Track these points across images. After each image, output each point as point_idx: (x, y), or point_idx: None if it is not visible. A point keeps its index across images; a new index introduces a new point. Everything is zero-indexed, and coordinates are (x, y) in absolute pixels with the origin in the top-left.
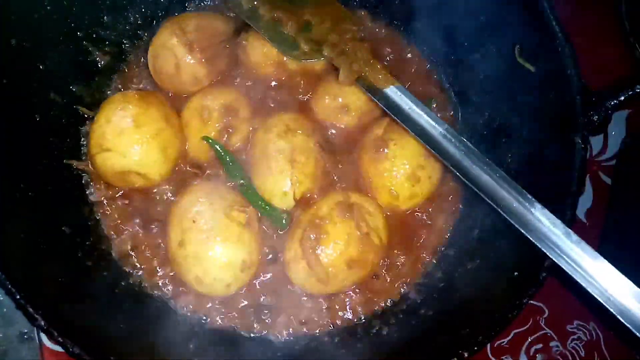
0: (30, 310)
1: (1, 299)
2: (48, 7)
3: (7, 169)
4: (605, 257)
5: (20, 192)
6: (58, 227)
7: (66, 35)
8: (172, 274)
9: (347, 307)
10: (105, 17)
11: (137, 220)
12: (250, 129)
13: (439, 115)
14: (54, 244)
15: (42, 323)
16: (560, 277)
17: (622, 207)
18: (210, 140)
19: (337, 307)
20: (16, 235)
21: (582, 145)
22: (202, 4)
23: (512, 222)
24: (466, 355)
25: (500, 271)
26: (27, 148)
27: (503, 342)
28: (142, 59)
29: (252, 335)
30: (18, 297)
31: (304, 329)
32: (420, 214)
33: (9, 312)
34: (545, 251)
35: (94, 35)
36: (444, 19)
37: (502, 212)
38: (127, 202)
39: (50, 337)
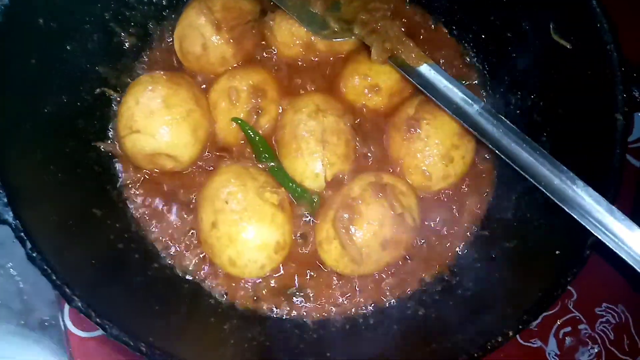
0: (68, 291)
1: (21, 286)
2: None
3: (37, 150)
4: None
5: (50, 175)
6: (88, 210)
7: (92, 16)
8: (203, 255)
9: (381, 288)
10: None
11: (167, 203)
12: (280, 110)
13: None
14: (85, 227)
15: (80, 304)
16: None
17: None
18: (239, 122)
19: (371, 288)
20: (48, 218)
21: (624, 122)
22: None
23: (554, 199)
24: (511, 334)
25: (540, 250)
26: (55, 130)
27: (532, 325)
28: (169, 40)
29: (285, 316)
30: (54, 277)
31: (337, 311)
32: (453, 194)
33: (30, 300)
34: (589, 228)
35: (120, 16)
36: None
37: (543, 190)
38: (156, 184)
39: (89, 318)
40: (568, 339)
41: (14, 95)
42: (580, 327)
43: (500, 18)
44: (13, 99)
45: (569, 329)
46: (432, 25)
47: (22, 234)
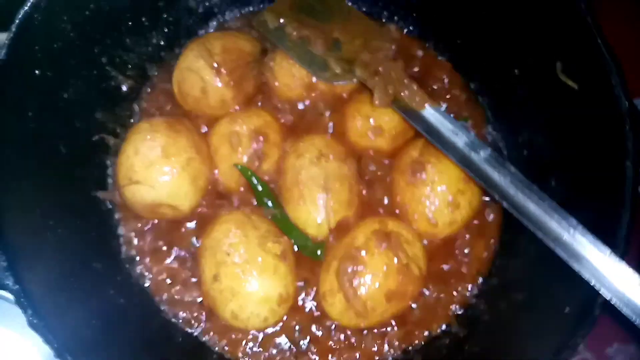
0: (69, 359)
1: None
2: (71, 34)
3: (36, 208)
4: None
5: (49, 231)
6: (89, 264)
7: (89, 61)
8: (204, 306)
9: (387, 341)
10: (127, 40)
11: (168, 251)
12: (281, 153)
13: (474, 134)
14: (86, 282)
15: None
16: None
17: None
18: (241, 168)
19: (377, 341)
20: (48, 277)
21: (634, 170)
22: (225, 24)
23: (563, 255)
24: None
25: (549, 305)
26: (53, 184)
27: None
28: (166, 82)
29: None
30: (56, 345)
31: None
32: (459, 240)
33: None
34: (598, 287)
35: (117, 60)
36: (480, 31)
37: (551, 245)
38: (155, 233)
39: None
40: None
41: (12, 153)
42: None
43: (507, 54)
44: (11, 157)
45: None
46: (435, 60)
47: (23, 299)
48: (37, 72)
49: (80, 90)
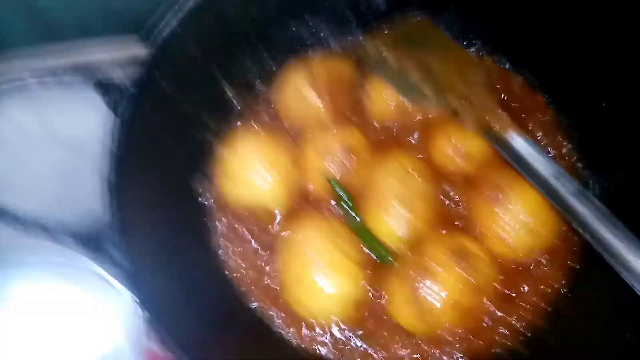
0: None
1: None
2: (196, 55)
3: (150, 200)
4: None
5: (156, 214)
6: (183, 249)
7: (210, 79)
8: (284, 305)
9: (453, 354)
10: (242, 60)
11: (252, 246)
12: (369, 169)
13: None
14: (178, 263)
15: (165, 334)
16: None
17: None
18: (331, 181)
19: (438, 351)
20: (147, 250)
21: None
22: (329, 49)
23: None
24: None
25: (619, 339)
26: (163, 175)
27: None
28: (270, 99)
29: None
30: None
31: None
32: (534, 267)
33: None
34: None
35: (231, 77)
36: (573, 64)
37: (634, 284)
38: (245, 229)
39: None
40: None
41: (140, 154)
42: None
43: (600, 86)
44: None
45: None
46: (529, 93)
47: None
48: (167, 89)
49: (197, 103)
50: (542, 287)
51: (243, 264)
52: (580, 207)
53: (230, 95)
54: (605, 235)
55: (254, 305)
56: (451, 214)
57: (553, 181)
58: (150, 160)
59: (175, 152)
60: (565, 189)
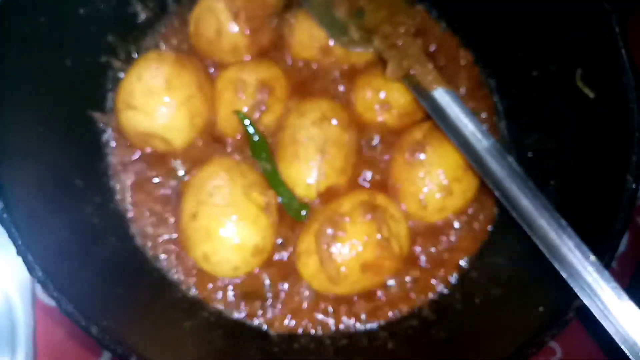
0: (30, 258)
1: None
2: None
3: (30, 110)
4: None
5: (39, 137)
6: (71, 178)
7: None
8: (178, 244)
9: (354, 311)
10: None
11: (152, 186)
12: (284, 110)
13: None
14: (64, 195)
15: (40, 274)
16: (583, 319)
17: None
18: (241, 115)
19: (344, 310)
20: (28, 181)
21: (634, 185)
22: None
23: (546, 253)
24: None
25: (524, 303)
26: (53, 92)
27: None
28: (183, 20)
29: (250, 324)
30: (20, 242)
31: (305, 328)
32: (447, 229)
33: None
34: (575, 290)
35: None
36: (507, 28)
37: (537, 241)
38: (144, 163)
39: (46, 290)
40: None
41: (16, 49)
42: None
43: (530, 55)
44: (14, 52)
45: None
46: (457, 50)
47: None
48: None
49: (96, 10)
50: (453, 250)
51: (139, 203)
52: (494, 163)
53: (139, 10)
54: (514, 192)
55: (152, 254)
56: (368, 167)
57: (471, 137)
58: (34, 74)
59: (68, 67)
60: (481, 145)
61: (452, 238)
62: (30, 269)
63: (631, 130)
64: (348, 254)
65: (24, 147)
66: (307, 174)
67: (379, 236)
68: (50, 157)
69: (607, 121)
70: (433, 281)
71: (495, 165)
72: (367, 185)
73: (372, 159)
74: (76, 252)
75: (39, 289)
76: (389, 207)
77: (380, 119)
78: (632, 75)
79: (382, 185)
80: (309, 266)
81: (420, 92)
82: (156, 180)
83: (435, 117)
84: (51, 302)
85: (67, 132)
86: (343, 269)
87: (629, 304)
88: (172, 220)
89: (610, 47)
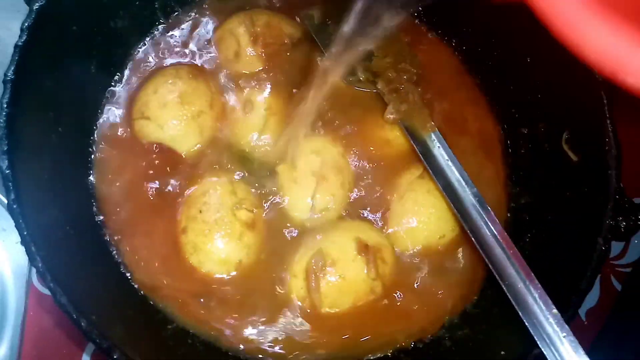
0: (33, 249)
1: None
2: None
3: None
4: None
5: (54, 133)
6: (79, 176)
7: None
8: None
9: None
10: None
11: (147, 195)
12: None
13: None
14: (71, 192)
15: (40, 265)
16: None
17: (625, 316)
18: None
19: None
20: (40, 175)
21: (603, 248)
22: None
23: (512, 300)
24: None
25: (488, 345)
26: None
27: None
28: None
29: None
30: (25, 233)
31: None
32: (427, 271)
33: None
34: (536, 339)
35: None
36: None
37: (505, 288)
38: (145, 172)
39: (44, 280)
40: None
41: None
42: None
43: (521, 112)
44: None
45: None
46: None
47: (11, 183)
48: None
49: (126, 21)
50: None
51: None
52: (475, 213)
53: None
54: (489, 240)
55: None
56: (364, 192)
57: (455, 183)
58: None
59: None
60: (465, 193)
61: (432, 277)
62: (31, 259)
63: (607, 196)
64: (333, 286)
65: (38, 144)
66: (303, 195)
67: (366, 276)
68: (63, 155)
69: (586, 184)
70: (410, 320)
71: (475, 213)
72: (362, 212)
73: (371, 185)
74: (76, 248)
75: (34, 275)
76: (381, 248)
77: (383, 151)
78: (615, 145)
79: (377, 211)
80: (298, 290)
81: (413, 136)
82: (154, 186)
83: (425, 161)
84: (45, 290)
85: (81, 133)
86: (325, 299)
87: (584, 358)
88: (165, 230)
89: (597, 116)
